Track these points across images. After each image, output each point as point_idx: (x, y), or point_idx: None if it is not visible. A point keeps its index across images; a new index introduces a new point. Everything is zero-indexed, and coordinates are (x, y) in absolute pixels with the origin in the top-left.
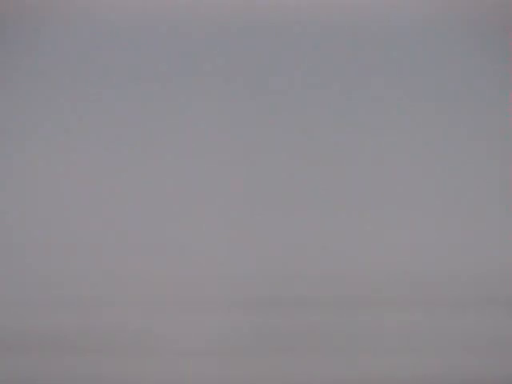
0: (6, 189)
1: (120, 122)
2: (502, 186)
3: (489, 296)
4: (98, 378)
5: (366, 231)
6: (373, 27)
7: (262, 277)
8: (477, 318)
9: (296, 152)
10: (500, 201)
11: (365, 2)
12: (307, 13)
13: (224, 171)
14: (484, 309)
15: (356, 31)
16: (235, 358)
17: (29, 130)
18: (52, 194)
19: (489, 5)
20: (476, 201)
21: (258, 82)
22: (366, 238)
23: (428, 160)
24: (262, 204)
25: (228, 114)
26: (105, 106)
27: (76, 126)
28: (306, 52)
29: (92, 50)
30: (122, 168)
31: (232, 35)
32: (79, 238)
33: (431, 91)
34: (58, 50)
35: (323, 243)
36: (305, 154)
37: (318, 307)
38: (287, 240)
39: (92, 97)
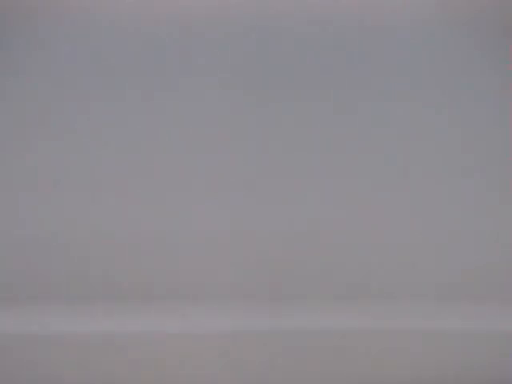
0: (6, 190)
1: (121, 121)
2: (501, 186)
3: (488, 293)
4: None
5: (365, 226)
6: (372, 26)
7: (262, 270)
8: (475, 315)
9: (295, 146)
10: (500, 200)
11: (364, 1)
12: (307, 11)
13: (224, 166)
14: (483, 306)
15: (355, 30)
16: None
17: (29, 130)
18: (52, 193)
19: (489, 5)
20: (475, 201)
21: (258, 79)
22: (365, 232)
23: (427, 159)
24: (261, 199)
25: (227, 111)
26: (105, 105)
27: (76, 125)
28: (305, 49)
29: (92, 50)
30: (123, 166)
31: (231, 33)
32: (78, 239)
33: (431, 90)
34: (58, 49)
35: (322, 237)
36: (304, 149)
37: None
38: (287, 234)
39: (93, 96)
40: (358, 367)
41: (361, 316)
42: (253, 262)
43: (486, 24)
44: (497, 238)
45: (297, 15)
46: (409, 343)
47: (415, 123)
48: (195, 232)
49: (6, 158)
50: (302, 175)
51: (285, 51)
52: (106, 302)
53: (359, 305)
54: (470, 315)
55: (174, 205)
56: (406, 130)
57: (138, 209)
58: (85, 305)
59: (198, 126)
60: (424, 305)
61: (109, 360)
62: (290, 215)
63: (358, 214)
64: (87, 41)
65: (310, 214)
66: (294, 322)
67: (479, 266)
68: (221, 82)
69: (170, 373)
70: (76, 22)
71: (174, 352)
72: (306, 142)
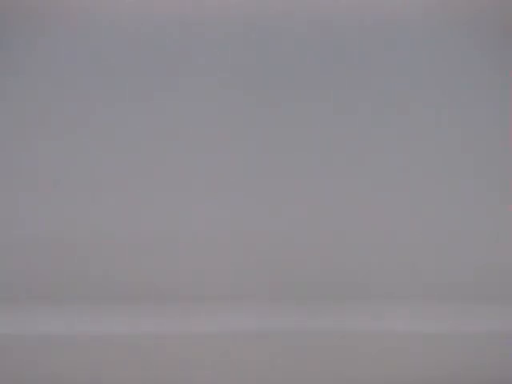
0: (6, 190)
1: (121, 121)
2: (501, 186)
3: (488, 294)
4: None
5: (365, 226)
6: (372, 26)
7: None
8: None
9: (295, 146)
10: (500, 200)
11: (364, 1)
12: (307, 11)
13: (224, 166)
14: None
15: (355, 30)
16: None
17: (29, 130)
18: (52, 193)
19: (489, 5)
20: (475, 201)
21: (258, 79)
22: (365, 232)
23: (427, 159)
24: (261, 199)
25: (227, 111)
26: (105, 105)
27: (76, 125)
28: (305, 49)
29: (92, 50)
30: (123, 166)
31: (231, 33)
32: (78, 239)
33: (431, 90)
34: (58, 49)
35: (322, 237)
36: (304, 149)
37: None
38: (287, 236)
39: (93, 96)
40: (357, 367)
41: (361, 316)
42: (253, 261)
43: (486, 24)
44: (497, 238)
45: (297, 15)
46: (408, 343)
47: (415, 123)
48: (195, 232)
49: (5, 157)
50: (302, 175)
51: (285, 51)
52: (106, 303)
53: (359, 305)
54: (470, 315)
55: (173, 205)
56: (406, 130)
57: (138, 209)
58: (85, 305)
59: (198, 126)
60: (424, 305)
61: (109, 360)
62: (290, 215)
63: (358, 214)
64: (87, 41)
65: (309, 214)
66: (293, 322)
67: (479, 266)
68: (221, 82)
69: (169, 373)
70: (76, 22)
71: (173, 352)
72: (306, 142)
